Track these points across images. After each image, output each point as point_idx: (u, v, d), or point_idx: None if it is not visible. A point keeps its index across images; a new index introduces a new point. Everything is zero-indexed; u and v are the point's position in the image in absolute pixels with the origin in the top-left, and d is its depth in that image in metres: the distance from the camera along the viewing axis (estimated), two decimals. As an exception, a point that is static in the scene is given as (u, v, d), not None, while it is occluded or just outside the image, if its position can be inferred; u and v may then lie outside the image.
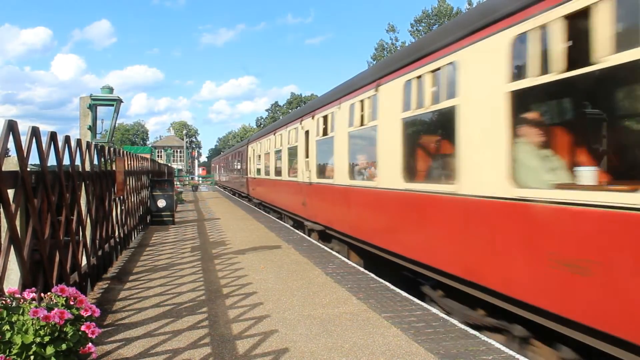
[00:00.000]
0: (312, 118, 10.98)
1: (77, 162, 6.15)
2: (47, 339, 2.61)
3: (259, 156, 19.48)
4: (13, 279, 3.79)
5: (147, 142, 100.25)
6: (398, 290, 6.39)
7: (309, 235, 11.69)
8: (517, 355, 4.13)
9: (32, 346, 2.57)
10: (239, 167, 28.45)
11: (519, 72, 4.23)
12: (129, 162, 10.69)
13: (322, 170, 10.49)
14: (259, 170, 19.78)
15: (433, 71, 5.60)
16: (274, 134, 16.00)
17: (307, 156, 11.44)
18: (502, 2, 4.42)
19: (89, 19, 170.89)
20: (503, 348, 4.31)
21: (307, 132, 11.54)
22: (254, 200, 22.47)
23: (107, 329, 4.74)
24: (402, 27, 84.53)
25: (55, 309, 2.69)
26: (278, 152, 15.36)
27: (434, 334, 4.64)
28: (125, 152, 10.32)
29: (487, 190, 4.54)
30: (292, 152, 13.30)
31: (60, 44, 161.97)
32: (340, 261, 8.36)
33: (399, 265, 6.78)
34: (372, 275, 7.32)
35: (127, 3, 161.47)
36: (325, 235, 10.55)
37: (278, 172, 15.21)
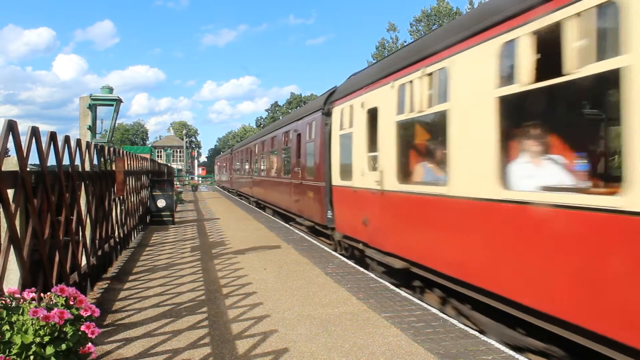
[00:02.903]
0: None
1: (77, 162, 6.15)
2: (46, 339, 2.61)
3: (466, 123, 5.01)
4: (13, 279, 3.79)
5: (147, 142, 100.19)
6: (398, 290, 6.40)
7: None
8: (517, 355, 4.13)
9: (32, 346, 2.57)
10: (280, 163, 16.21)
11: None
12: (129, 162, 10.69)
13: None
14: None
15: None
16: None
17: None
18: None
19: (92, 19, 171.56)
20: (503, 348, 4.31)
21: None
22: (373, 254, 7.39)
23: (107, 329, 4.74)
24: (402, 26, 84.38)
25: (55, 309, 2.68)
26: None
27: (433, 334, 4.65)
28: (125, 152, 10.32)
29: None
30: None
31: (63, 44, 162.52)
32: (339, 261, 8.36)
33: None
34: (372, 275, 7.32)
35: (130, 4, 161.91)
36: None
37: None
